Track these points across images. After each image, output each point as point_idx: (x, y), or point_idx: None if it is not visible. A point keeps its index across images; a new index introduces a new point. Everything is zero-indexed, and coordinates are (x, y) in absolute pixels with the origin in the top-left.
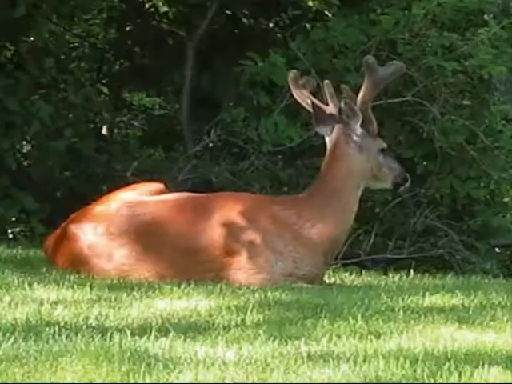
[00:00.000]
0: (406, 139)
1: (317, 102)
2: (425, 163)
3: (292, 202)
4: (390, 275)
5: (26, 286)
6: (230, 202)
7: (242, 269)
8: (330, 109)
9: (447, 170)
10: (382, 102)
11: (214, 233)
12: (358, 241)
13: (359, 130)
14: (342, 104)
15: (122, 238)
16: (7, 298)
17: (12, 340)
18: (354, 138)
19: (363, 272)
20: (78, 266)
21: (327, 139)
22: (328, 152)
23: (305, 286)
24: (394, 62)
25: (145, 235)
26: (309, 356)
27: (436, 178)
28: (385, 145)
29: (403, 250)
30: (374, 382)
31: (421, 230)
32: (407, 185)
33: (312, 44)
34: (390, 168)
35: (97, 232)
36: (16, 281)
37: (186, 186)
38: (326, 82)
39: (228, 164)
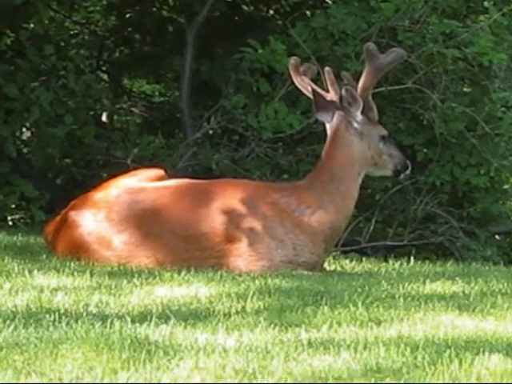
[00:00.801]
0: (406, 126)
1: (317, 88)
2: (425, 150)
3: (292, 189)
4: (391, 262)
5: (26, 273)
6: (231, 189)
7: (242, 256)
8: (331, 96)
9: (447, 158)
10: (382, 89)
11: (214, 219)
12: (359, 228)
13: (360, 117)
14: (343, 91)
15: (121, 224)
16: (7, 285)
17: (12, 327)
18: (355, 124)
19: (363, 259)
20: (78, 252)
21: (328, 126)
22: (328, 139)
23: (305, 273)
24: (395, 49)
25: (145, 222)
26: (309, 343)
27: (436, 165)
28: (385, 132)
29: (403, 237)
30: (375, 369)
31: (421, 217)
32: (408, 172)
33: (312, 31)
34: (391, 155)
35: (97, 218)
36: (16, 268)
37: (186, 172)
38: (327, 68)
39: (228, 151)
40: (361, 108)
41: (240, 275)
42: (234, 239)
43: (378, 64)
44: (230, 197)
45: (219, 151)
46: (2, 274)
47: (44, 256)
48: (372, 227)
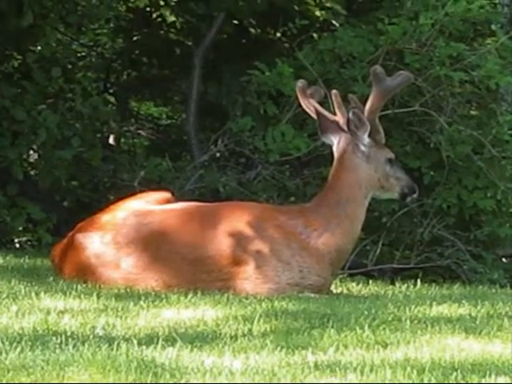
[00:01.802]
0: (412, 149)
1: (323, 110)
2: (432, 173)
3: (299, 212)
4: (397, 285)
5: (33, 295)
6: (237, 212)
7: (248, 278)
8: (338, 118)
9: (454, 180)
10: (389, 111)
11: (221, 242)
12: (365, 250)
13: (367, 140)
14: (351, 114)
15: (128, 246)
16: (14, 308)
17: (19, 349)
18: (362, 147)
19: (370, 282)
20: (85, 275)
21: (334, 149)
22: (335, 162)
23: (312, 295)
24: (402, 72)
25: (152, 244)
26: (316, 366)
27: (443, 188)
28: (392, 155)
29: (410, 259)
30: None
31: (428, 240)
32: (415, 195)
33: (319, 54)
34: (398, 178)
35: (104, 241)
36: (23, 290)
37: (193, 195)
38: (334, 91)
39: (235, 174)
40: (368, 131)
41: (247, 298)
42: (241, 262)
43: (385, 87)
44: (237, 219)
45: (226, 174)
46: (9, 296)
47: (51, 278)
48: (379, 250)
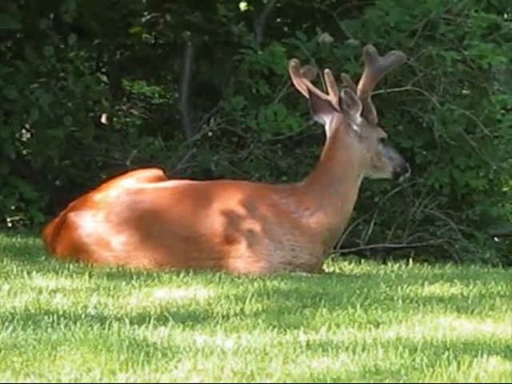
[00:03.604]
0: (405, 129)
1: (316, 90)
2: (424, 153)
3: (291, 191)
4: (389, 264)
5: (25, 274)
6: (230, 190)
7: (241, 257)
8: (330, 98)
9: (446, 160)
10: (381, 91)
11: (213, 221)
12: (357, 230)
13: (359, 120)
14: (342, 93)
15: (121, 225)
16: (6, 287)
17: (11, 329)
18: (354, 127)
19: (362, 261)
20: (78, 254)
21: (327, 128)
22: (327, 141)
23: (304, 274)
24: (394, 51)
25: (144, 223)
26: (308, 345)
27: (435, 167)
28: (384, 134)
29: (402, 239)
30: (373, 370)
31: (420, 220)
32: (407, 175)
33: (363, 23)
34: (390, 158)
35: (96, 219)
36: (15, 269)
37: (186, 174)
38: (327, 70)
39: (227, 153)
40: (360, 110)
41: (239, 277)
42: (233, 240)
43: (378, 66)
44: (229, 198)
45: (218, 153)
46: (1, 275)
47: (43, 257)
48: (371, 229)
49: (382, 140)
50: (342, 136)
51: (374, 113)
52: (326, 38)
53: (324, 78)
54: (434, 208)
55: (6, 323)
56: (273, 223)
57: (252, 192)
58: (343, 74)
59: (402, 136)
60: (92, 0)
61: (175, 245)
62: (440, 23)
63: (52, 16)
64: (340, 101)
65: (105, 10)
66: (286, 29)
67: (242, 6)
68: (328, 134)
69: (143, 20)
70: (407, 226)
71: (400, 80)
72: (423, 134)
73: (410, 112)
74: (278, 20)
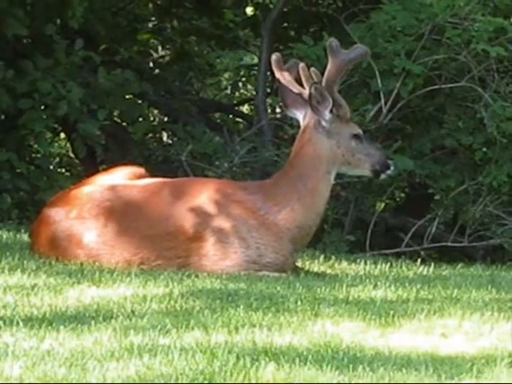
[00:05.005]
0: (465, 125)
1: (289, 84)
2: (484, 150)
3: (258, 187)
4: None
5: None
6: (197, 187)
7: (206, 255)
8: (305, 92)
9: (505, 158)
10: (436, 86)
11: (180, 218)
12: (424, 227)
13: (328, 116)
14: (312, 89)
15: (91, 222)
16: None
17: None
18: (323, 123)
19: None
20: (52, 250)
21: (301, 123)
22: (298, 137)
23: (271, 274)
24: (359, 45)
25: (113, 220)
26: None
27: (494, 165)
28: (359, 130)
29: (463, 238)
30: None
31: (481, 219)
32: (389, 172)
33: (369, 28)
34: (368, 154)
35: (69, 216)
36: None
37: (244, 169)
38: (301, 64)
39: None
40: (330, 106)
41: (189, 276)
42: (199, 238)
43: (341, 59)
44: (196, 195)
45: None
46: None
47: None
48: (434, 228)
49: (355, 136)
50: (311, 132)
51: (346, 108)
52: (333, 42)
53: (300, 72)
54: (496, 206)
55: None
56: (238, 220)
57: (219, 189)
58: (312, 69)
59: (463, 132)
60: (98, 5)
61: (143, 243)
62: (447, 27)
63: (58, 21)
64: (310, 96)
65: (111, 15)
66: (292, 33)
67: (249, 11)
68: (300, 129)
69: (150, 25)
70: (468, 225)
71: (455, 75)
72: (485, 131)
73: (473, 108)
74: (285, 25)
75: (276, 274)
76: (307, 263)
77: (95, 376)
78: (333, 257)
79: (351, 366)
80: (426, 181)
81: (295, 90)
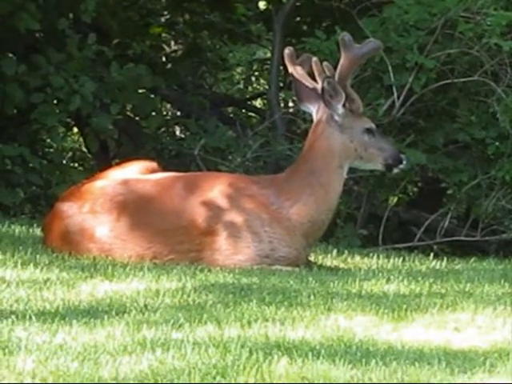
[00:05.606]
0: (478, 119)
1: (304, 78)
2: (497, 144)
3: (271, 182)
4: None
5: None
6: (211, 182)
7: (219, 249)
8: (318, 86)
9: None
10: (448, 81)
11: (193, 212)
12: (437, 221)
13: (341, 110)
14: (325, 83)
15: (104, 216)
16: None
17: None
18: (335, 117)
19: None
20: (65, 244)
21: (314, 117)
22: (310, 131)
23: (284, 269)
24: (371, 39)
25: (126, 215)
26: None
27: (507, 159)
28: (372, 124)
29: (476, 232)
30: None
31: (493, 212)
32: (402, 166)
33: (382, 22)
34: (380, 148)
35: (82, 210)
36: None
37: (256, 163)
38: (314, 59)
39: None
40: (342, 100)
41: (201, 270)
42: (212, 232)
43: (354, 54)
44: (209, 189)
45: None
46: None
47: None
48: (447, 223)
49: (368, 130)
50: (323, 126)
51: (358, 102)
52: (345, 36)
53: (312, 66)
54: (507, 201)
55: None
56: (251, 215)
57: (231, 183)
58: (325, 63)
59: (476, 126)
60: (111, 0)
61: (156, 237)
62: (459, 21)
63: (71, 16)
64: (322, 91)
65: (123, 9)
66: (305, 28)
67: (261, 5)
68: (313, 124)
69: (162, 20)
70: (481, 219)
71: (468, 69)
72: (497, 125)
73: (486, 103)
74: (297, 19)
75: (289, 268)
76: (320, 257)
77: (108, 370)
78: (345, 251)
79: (364, 360)
80: (439, 175)
81: (308, 84)
